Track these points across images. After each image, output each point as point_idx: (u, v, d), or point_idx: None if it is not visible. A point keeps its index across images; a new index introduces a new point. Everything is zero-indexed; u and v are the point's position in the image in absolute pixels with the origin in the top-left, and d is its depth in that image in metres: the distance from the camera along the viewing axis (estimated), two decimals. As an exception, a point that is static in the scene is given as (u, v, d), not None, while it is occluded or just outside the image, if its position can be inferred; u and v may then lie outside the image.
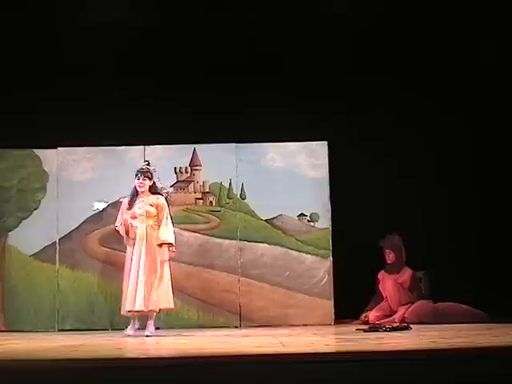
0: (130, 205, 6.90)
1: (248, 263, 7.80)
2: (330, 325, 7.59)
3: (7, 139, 7.89)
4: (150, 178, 6.97)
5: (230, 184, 7.91)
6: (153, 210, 6.89)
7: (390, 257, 7.89)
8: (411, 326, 6.75)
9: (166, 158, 7.91)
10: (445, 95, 8.54)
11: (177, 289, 7.54)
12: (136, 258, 6.76)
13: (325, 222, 7.86)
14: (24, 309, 7.68)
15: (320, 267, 7.80)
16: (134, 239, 6.81)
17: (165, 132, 8.06)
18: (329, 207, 7.85)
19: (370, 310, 7.75)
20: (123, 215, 6.91)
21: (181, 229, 7.77)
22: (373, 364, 4.34)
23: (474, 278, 8.13)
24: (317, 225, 7.87)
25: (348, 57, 8.49)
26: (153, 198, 6.95)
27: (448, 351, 4.71)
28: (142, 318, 6.89)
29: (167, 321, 7.49)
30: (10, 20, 8.20)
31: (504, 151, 8.44)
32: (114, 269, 7.33)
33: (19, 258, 7.74)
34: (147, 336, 6.58)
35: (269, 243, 7.84)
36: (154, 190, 7.00)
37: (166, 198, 7.05)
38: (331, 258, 7.80)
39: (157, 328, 6.97)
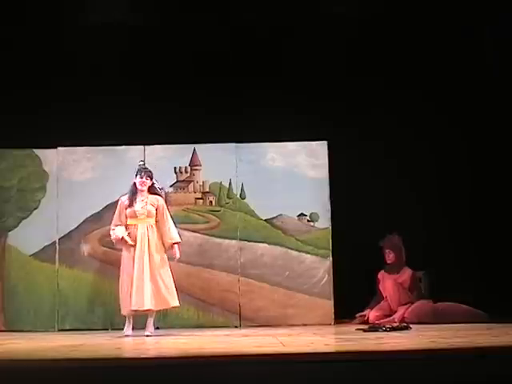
0: (131, 203, 6.90)
1: (248, 263, 7.80)
2: (330, 325, 7.59)
3: (7, 139, 7.89)
4: (151, 178, 6.99)
5: (230, 184, 7.91)
6: (153, 211, 6.91)
7: (389, 257, 7.89)
8: (411, 325, 6.75)
9: (165, 158, 7.91)
10: (445, 95, 8.54)
11: (177, 289, 7.55)
12: (139, 257, 6.75)
13: (325, 222, 7.86)
14: (24, 309, 7.68)
15: (320, 267, 7.80)
16: (134, 240, 6.81)
17: (165, 132, 8.06)
18: (329, 207, 7.85)
19: (370, 309, 7.76)
20: (121, 215, 6.90)
21: (181, 229, 7.74)
22: (373, 364, 4.34)
23: (473, 278, 8.13)
24: (317, 225, 7.87)
25: (348, 57, 8.49)
26: (153, 199, 6.96)
27: (448, 351, 4.71)
28: (141, 318, 6.90)
29: (167, 321, 7.49)
30: (10, 20, 8.20)
31: (504, 151, 8.44)
32: (114, 269, 7.31)
33: (19, 257, 7.74)
34: (147, 336, 6.58)
35: (269, 243, 7.84)
36: (152, 190, 7.01)
37: (164, 198, 7.08)
38: (331, 258, 7.80)
39: (157, 328, 6.98)
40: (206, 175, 7.93)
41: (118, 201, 7.06)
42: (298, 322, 7.63)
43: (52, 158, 7.90)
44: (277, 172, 7.95)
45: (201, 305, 7.72)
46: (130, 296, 6.67)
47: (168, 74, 8.43)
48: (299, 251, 7.83)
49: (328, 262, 7.80)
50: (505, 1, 8.11)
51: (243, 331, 7.07)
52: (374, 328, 6.61)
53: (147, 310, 6.75)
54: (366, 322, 7.50)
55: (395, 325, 6.78)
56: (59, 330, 7.57)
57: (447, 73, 8.54)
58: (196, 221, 7.87)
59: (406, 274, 7.84)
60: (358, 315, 7.73)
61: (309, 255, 7.82)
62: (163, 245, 6.91)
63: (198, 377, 4.24)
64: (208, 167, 7.93)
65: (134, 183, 6.98)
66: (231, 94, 8.48)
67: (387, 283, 7.80)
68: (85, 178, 7.87)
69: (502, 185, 8.39)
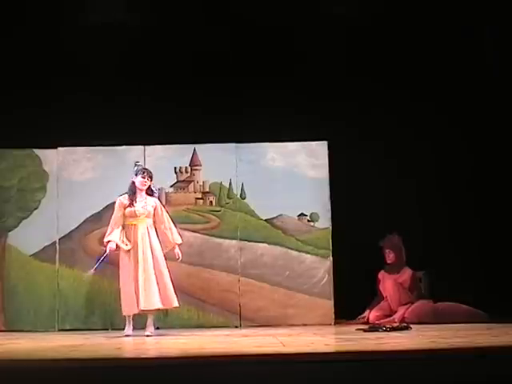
0: (131, 202, 6.90)
1: (248, 263, 7.80)
2: (330, 325, 7.59)
3: (7, 139, 7.89)
4: (151, 179, 7.01)
5: (230, 184, 7.91)
6: (152, 211, 6.95)
7: (389, 257, 7.89)
8: (411, 325, 6.74)
9: (165, 158, 7.92)
10: (445, 95, 8.54)
11: (177, 289, 7.53)
12: (144, 258, 6.77)
13: (325, 222, 7.86)
14: (24, 309, 7.68)
15: (320, 267, 7.80)
16: (132, 241, 6.81)
17: (165, 132, 8.06)
18: (329, 207, 7.85)
19: (370, 310, 7.76)
20: (120, 214, 6.89)
21: (181, 229, 7.75)
22: (373, 364, 4.34)
23: (473, 278, 8.13)
24: (317, 225, 7.87)
25: (348, 57, 8.49)
26: (150, 199, 6.99)
27: (448, 351, 4.71)
28: (141, 318, 6.90)
29: (167, 321, 7.49)
30: (10, 20, 8.21)
31: (504, 151, 8.44)
32: (115, 269, 7.31)
33: (19, 257, 7.74)
34: (148, 336, 6.58)
35: (269, 243, 7.84)
36: (150, 191, 7.02)
37: (159, 199, 7.15)
38: (331, 258, 7.80)
39: (157, 328, 6.98)
40: (206, 175, 7.93)
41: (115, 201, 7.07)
42: (298, 322, 7.63)
43: (52, 157, 7.91)
44: (277, 172, 7.95)
45: (201, 305, 7.72)
46: (138, 296, 6.67)
47: (168, 73, 8.43)
48: (299, 251, 7.83)
49: (328, 262, 7.80)
50: (505, 1, 8.10)
51: (243, 331, 7.07)
52: (374, 328, 6.61)
53: (153, 310, 6.77)
54: (366, 322, 7.50)
55: (395, 325, 6.78)
56: (59, 330, 7.57)
57: (447, 73, 8.54)
58: (196, 221, 7.87)
59: (406, 274, 7.84)
60: (358, 318, 7.73)
61: (309, 255, 7.82)
62: (161, 245, 6.93)
63: (198, 377, 4.24)
64: (208, 167, 7.93)
65: (133, 183, 6.98)
66: (231, 94, 8.48)
67: (387, 283, 7.80)
68: (85, 178, 7.87)
69: (503, 185, 8.39)
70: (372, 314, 7.67)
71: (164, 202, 7.82)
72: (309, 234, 7.86)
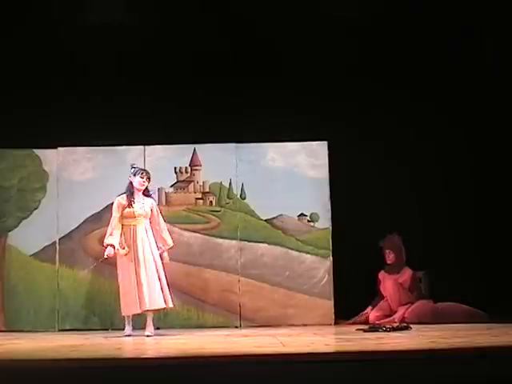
0: (129, 203, 6.90)
1: (248, 263, 7.80)
2: (330, 325, 7.59)
3: (7, 139, 7.89)
4: (149, 180, 7.02)
5: (230, 184, 7.91)
6: (150, 212, 6.97)
7: (390, 257, 7.89)
8: (411, 325, 6.75)
9: (165, 158, 7.92)
10: (445, 95, 8.54)
11: (177, 289, 7.58)
12: (143, 258, 6.78)
13: (325, 222, 7.85)
14: (24, 309, 7.68)
15: (320, 267, 7.80)
16: (132, 242, 6.82)
17: (165, 132, 8.06)
18: (329, 207, 7.85)
19: (371, 308, 7.76)
20: (118, 215, 6.90)
21: (181, 229, 7.79)
22: (373, 364, 4.34)
23: (473, 278, 8.13)
24: (317, 225, 7.87)
25: (348, 57, 8.49)
26: (148, 201, 7.01)
27: (448, 351, 4.71)
28: (141, 318, 6.91)
29: (167, 321, 7.49)
30: (10, 20, 8.21)
31: (505, 151, 8.44)
32: (114, 269, 7.31)
33: (19, 257, 7.74)
34: (148, 336, 6.58)
35: (269, 243, 7.84)
36: (146, 192, 7.04)
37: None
38: (331, 258, 7.80)
39: (157, 328, 6.98)
40: (206, 175, 7.93)
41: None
42: (298, 322, 7.63)
43: (52, 158, 7.91)
44: (277, 172, 7.95)
45: (201, 305, 7.72)
46: (140, 297, 6.67)
47: (168, 73, 8.43)
48: (299, 251, 7.83)
49: (328, 262, 7.80)
50: (505, 1, 8.10)
51: (243, 331, 7.08)
52: (374, 328, 6.62)
53: (156, 310, 6.79)
54: (366, 322, 7.50)
55: (395, 325, 6.78)
56: (59, 330, 7.57)
57: (447, 73, 8.54)
58: (196, 221, 7.87)
59: (406, 274, 7.84)
60: (361, 314, 7.72)
61: (309, 255, 7.82)
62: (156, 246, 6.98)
63: (198, 377, 4.24)
64: (208, 167, 7.93)
65: (131, 183, 6.98)
66: (231, 94, 8.48)
67: (387, 283, 7.80)
68: (85, 178, 7.87)
69: (503, 184, 8.39)
70: (372, 314, 7.67)
71: (164, 202, 7.84)
72: (309, 234, 7.86)
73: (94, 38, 8.24)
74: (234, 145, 7.96)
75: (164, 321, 7.43)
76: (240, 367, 4.35)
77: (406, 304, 7.66)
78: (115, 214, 6.92)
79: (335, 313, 7.71)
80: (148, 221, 6.96)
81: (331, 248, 7.81)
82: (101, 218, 7.62)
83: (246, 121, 8.28)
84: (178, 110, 8.37)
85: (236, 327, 7.62)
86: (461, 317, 7.34)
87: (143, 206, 6.94)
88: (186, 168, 7.95)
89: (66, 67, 8.31)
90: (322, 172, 7.90)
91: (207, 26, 8.41)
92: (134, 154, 7.84)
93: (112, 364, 4.55)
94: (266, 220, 7.88)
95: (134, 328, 6.84)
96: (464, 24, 8.45)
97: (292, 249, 7.84)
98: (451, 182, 8.53)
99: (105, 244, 6.87)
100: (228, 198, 7.90)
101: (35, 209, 7.82)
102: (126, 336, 6.69)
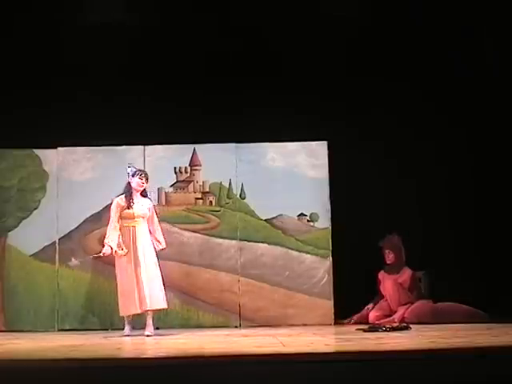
0: (129, 204, 6.89)
1: (248, 263, 7.80)
2: (330, 325, 7.59)
3: (7, 139, 7.89)
4: (147, 181, 7.03)
5: (230, 184, 7.91)
6: (148, 213, 6.98)
7: (389, 257, 7.89)
8: (411, 325, 6.74)
9: (165, 158, 7.92)
10: (444, 95, 8.54)
11: (177, 289, 7.60)
12: (143, 259, 6.78)
13: (325, 222, 7.86)
14: (24, 309, 7.68)
15: (320, 267, 7.80)
16: (131, 243, 6.82)
17: (165, 132, 8.06)
18: (329, 207, 7.85)
19: (366, 312, 7.76)
20: (117, 216, 6.89)
21: (181, 229, 7.79)
22: (373, 364, 4.34)
23: (474, 278, 8.13)
24: (317, 225, 7.87)
25: (348, 57, 8.49)
26: (146, 201, 7.01)
27: (447, 351, 4.71)
28: (141, 318, 6.92)
29: (167, 321, 7.49)
30: (10, 20, 8.20)
31: (504, 151, 8.44)
32: (114, 269, 7.31)
33: (19, 257, 7.74)
34: (148, 336, 6.58)
35: (269, 243, 7.84)
36: (144, 192, 7.05)
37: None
38: (331, 258, 7.80)
39: (156, 328, 6.98)
40: (206, 175, 7.93)
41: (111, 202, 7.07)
42: (298, 322, 7.63)
43: (52, 158, 7.91)
44: (277, 172, 7.95)
45: (201, 305, 7.72)
46: (140, 297, 6.68)
47: (168, 73, 8.43)
48: (299, 251, 7.83)
49: (328, 262, 7.80)
50: (505, 1, 8.10)
51: (243, 331, 7.07)
52: (374, 328, 6.61)
53: (156, 310, 6.81)
54: (365, 322, 7.49)
55: (395, 325, 6.78)
56: (59, 330, 7.57)
57: (447, 73, 8.54)
58: (196, 221, 7.87)
59: (406, 274, 7.84)
60: (367, 307, 7.73)
61: (309, 255, 7.82)
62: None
63: (198, 377, 4.24)
64: (208, 167, 7.93)
65: (129, 183, 6.98)
66: (231, 94, 8.47)
67: (387, 283, 7.80)
68: (85, 178, 7.87)
69: (503, 184, 8.39)
70: (372, 314, 7.67)
71: (164, 202, 7.84)
72: (309, 234, 7.86)
73: (94, 38, 8.24)
74: (233, 145, 7.96)
75: (164, 321, 7.43)
76: (240, 367, 4.35)
77: (405, 304, 7.66)
78: (114, 214, 6.90)
79: (335, 313, 7.71)
80: (146, 221, 6.97)
81: (331, 248, 7.81)
82: (101, 218, 7.62)
83: (245, 121, 8.28)
84: (178, 109, 8.37)
85: (236, 327, 7.62)
86: (461, 317, 7.34)
87: (142, 206, 6.94)
88: (185, 168, 7.95)
89: (66, 67, 8.30)
90: (322, 172, 7.90)
91: (207, 26, 8.41)
92: (133, 153, 7.85)
93: (112, 364, 4.55)
94: (265, 220, 7.88)
95: (133, 328, 6.85)
96: (464, 24, 8.44)
97: (292, 249, 7.85)
98: (451, 182, 8.53)
99: (105, 243, 6.87)
100: (228, 197, 7.90)
101: (35, 209, 7.82)
102: (126, 336, 6.69)
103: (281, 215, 7.90)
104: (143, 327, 6.79)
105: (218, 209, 7.89)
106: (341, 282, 7.77)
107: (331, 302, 7.72)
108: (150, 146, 7.93)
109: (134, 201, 6.91)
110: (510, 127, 8.33)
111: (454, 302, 7.61)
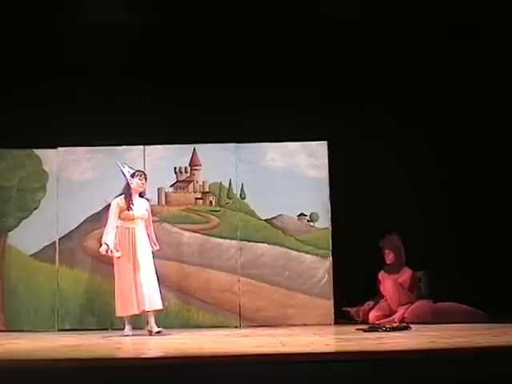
0: (128, 205, 6.89)
1: (248, 263, 7.80)
2: (330, 325, 7.59)
3: (7, 139, 7.90)
4: (146, 181, 7.05)
5: (230, 184, 7.91)
6: (146, 214, 7.02)
7: (389, 257, 7.89)
8: (411, 325, 6.74)
9: (165, 158, 7.92)
10: (444, 95, 8.54)
11: (177, 289, 7.60)
12: (142, 260, 6.80)
13: (324, 222, 7.86)
14: (24, 309, 7.68)
15: (320, 267, 7.80)
16: (130, 244, 6.83)
17: (165, 132, 8.06)
18: (329, 207, 7.85)
19: (368, 308, 7.76)
20: (116, 217, 6.89)
21: (181, 229, 7.79)
22: (373, 364, 4.34)
23: (474, 278, 8.13)
24: (316, 225, 7.87)
25: (348, 57, 8.49)
26: (144, 202, 7.03)
27: (448, 351, 4.71)
28: (141, 318, 6.93)
29: (167, 321, 7.48)
30: (10, 20, 8.20)
31: (504, 151, 8.44)
32: (113, 269, 7.31)
33: (19, 257, 7.75)
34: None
35: (269, 243, 7.84)
36: (142, 193, 7.06)
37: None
38: (331, 258, 7.80)
39: (156, 328, 6.98)
40: (206, 175, 7.93)
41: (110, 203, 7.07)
42: (298, 322, 7.63)
43: (52, 158, 7.91)
44: (277, 172, 7.95)
45: (201, 305, 7.72)
46: (138, 298, 6.69)
47: (168, 73, 8.43)
48: (299, 251, 7.83)
49: (328, 262, 7.80)
50: (504, 0, 8.11)
51: (243, 331, 7.07)
52: (374, 328, 6.61)
53: (156, 310, 6.82)
54: (365, 322, 7.49)
55: (395, 325, 6.77)
56: (59, 330, 7.57)
57: (447, 73, 8.54)
58: (196, 221, 7.87)
59: (406, 274, 7.83)
60: (368, 303, 7.73)
61: (309, 255, 7.82)
62: None
63: (198, 377, 4.24)
64: (208, 167, 7.93)
65: (128, 184, 6.98)
66: (231, 94, 8.48)
67: (387, 283, 7.79)
68: (85, 178, 7.87)
69: (503, 185, 8.39)
70: (372, 314, 7.66)
71: (164, 202, 7.84)
72: (309, 234, 7.86)
73: (94, 38, 8.24)
74: (233, 145, 7.96)
75: (164, 321, 7.42)
76: (240, 367, 4.35)
77: (405, 304, 7.66)
78: (113, 215, 6.90)
79: (335, 313, 7.71)
80: (144, 222, 6.98)
81: (331, 248, 7.81)
82: (100, 218, 7.61)
83: (246, 121, 8.28)
84: (178, 109, 8.38)
85: (236, 327, 7.62)
86: (461, 317, 7.34)
87: (140, 208, 6.95)
88: (185, 168, 7.95)
89: (66, 67, 8.31)
90: (322, 172, 7.90)
91: (207, 26, 8.41)
92: (133, 153, 7.85)
93: (112, 364, 4.55)
94: (265, 220, 7.88)
95: (133, 328, 6.85)
96: (463, 24, 8.45)
97: (292, 249, 7.85)
98: (451, 182, 8.54)
99: (102, 241, 6.87)
100: (228, 197, 7.90)
101: (35, 209, 7.82)
102: (126, 336, 6.69)
103: (281, 215, 7.90)
104: (143, 327, 6.80)
105: (218, 209, 7.89)
106: (341, 282, 7.77)
107: (331, 302, 7.72)
108: (149, 146, 7.93)
109: (133, 202, 6.91)
110: (509, 127, 8.33)
111: (454, 301, 7.61)
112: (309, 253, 7.82)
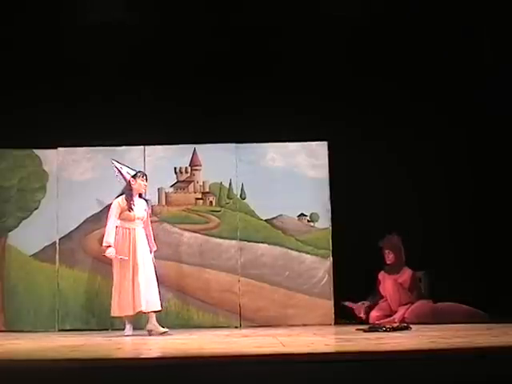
0: (130, 206, 6.90)
1: (248, 263, 7.80)
2: (330, 325, 7.59)
3: (7, 139, 7.90)
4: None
5: (230, 184, 7.91)
6: (146, 215, 7.05)
7: (389, 257, 7.89)
8: (411, 325, 6.74)
9: (166, 158, 7.92)
10: (445, 95, 8.54)
11: (177, 289, 7.60)
12: (142, 261, 6.81)
13: (325, 222, 7.86)
14: (24, 309, 7.68)
15: (320, 267, 7.80)
16: (131, 245, 6.83)
17: (165, 132, 8.06)
18: (329, 207, 7.85)
19: (366, 306, 7.76)
20: (117, 217, 6.89)
21: (181, 229, 7.79)
22: (373, 364, 4.34)
23: (474, 278, 8.13)
24: (317, 225, 7.87)
25: (348, 57, 8.49)
26: (143, 203, 7.05)
27: (448, 351, 4.71)
28: (141, 318, 6.93)
29: (167, 321, 7.48)
30: (10, 20, 8.20)
31: (504, 151, 8.44)
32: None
33: (19, 257, 7.74)
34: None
35: (269, 243, 7.84)
36: (142, 194, 7.07)
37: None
38: (331, 258, 7.80)
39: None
40: (206, 175, 7.93)
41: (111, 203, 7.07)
42: (298, 322, 7.63)
43: (52, 158, 7.91)
44: (277, 172, 7.95)
45: (201, 305, 7.72)
46: (136, 299, 6.71)
47: (168, 73, 8.43)
48: (299, 251, 7.83)
49: (328, 263, 7.80)
50: (505, 0, 8.11)
51: (243, 331, 7.07)
52: (374, 328, 6.61)
53: (156, 311, 6.82)
54: (365, 322, 7.49)
55: (395, 325, 6.77)
56: (59, 330, 7.57)
57: (447, 73, 8.54)
58: (196, 221, 7.87)
59: (406, 274, 7.84)
60: (364, 302, 7.73)
61: (309, 255, 7.82)
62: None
63: (198, 377, 4.24)
64: (208, 167, 7.93)
65: (129, 185, 6.98)
66: (231, 94, 8.48)
67: (387, 283, 7.79)
68: (85, 178, 7.87)
69: (502, 185, 8.39)
70: (372, 314, 7.66)
71: (164, 202, 7.84)
72: (309, 234, 7.86)
73: (94, 38, 8.24)
74: (234, 145, 7.96)
75: (164, 321, 7.42)
76: (240, 367, 4.34)
77: (405, 304, 7.66)
78: (114, 216, 6.91)
79: (335, 313, 7.71)
80: (143, 223, 7.00)
81: (331, 248, 7.81)
82: (100, 218, 7.61)
83: (246, 121, 8.28)
84: (178, 109, 8.38)
85: (236, 327, 7.62)
86: (461, 317, 7.34)
87: (141, 208, 6.97)
88: (186, 168, 7.95)
89: (67, 67, 8.31)
90: (322, 172, 7.90)
91: (207, 26, 8.41)
92: (133, 154, 7.85)
93: (112, 364, 4.55)
94: (265, 220, 7.88)
95: (133, 328, 6.85)
96: (464, 23, 8.45)
97: (292, 249, 7.85)
98: (451, 182, 8.54)
99: (105, 243, 6.86)
100: (228, 198, 7.90)
101: (35, 209, 7.82)
102: (126, 336, 6.69)
103: (281, 215, 7.90)
104: (143, 327, 6.82)
105: (218, 209, 7.89)
106: (341, 282, 7.76)
107: (331, 302, 7.72)
108: (150, 146, 7.93)
109: (134, 203, 6.92)
110: (510, 127, 8.33)
111: (454, 301, 7.61)
112: (309, 253, 7.82)
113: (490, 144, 8.51)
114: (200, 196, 7.92)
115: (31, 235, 7.72)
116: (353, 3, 8.28)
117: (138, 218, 6.92)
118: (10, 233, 7.78)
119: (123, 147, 7.92)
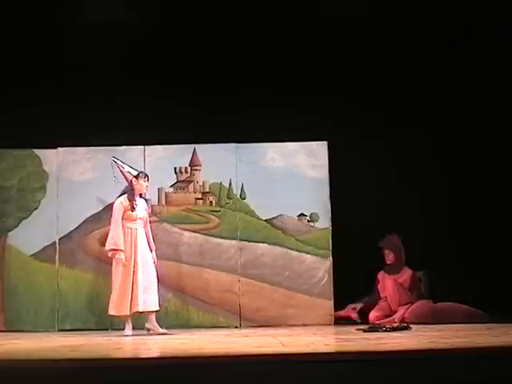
0: (132, 206, 6.90)
1: (248, 263, 7.80)
2: (330, 325, 7.59)
3: (7, 139, 7.90)
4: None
5: (230, 184, 7.91)
6: (146, 215, 7.05)
7: (389, 257, 7.89)
8: (411, 325, 6.74)
9: (166, 158, 7.92)
10: (445, 95, 8.54)
11: (177, 289, 7.60)
12: (142, 261, 6.81)
13: (325, 222, 7.85)
14: (24, 309, 7.68)
15: (320, 267, 7.80)
16: (132, 245, 6.83)
17: (165, 132, 8.07)
18: (329, 207, 7.85)
19: (364, 306, 7.76)
20: (121, 217, 6.90)
21: (181, 229, 7.79)
22: (373, 364, 4.33)
23: (474, 278, 8.13)
24: (317, 225, 7.87)
25: (348, 57, 8.49)
26: (144, 202, 7.07)
27: (448, 351, 4.71)
28: (140, 318, 6.93)
29: (167, 321, 7.48)
30: (10, 20, 8.20)
31: (504, 151, 8.44)
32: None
33: (19, 257, 7.74)
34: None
35: (269, 243, 7.84)
36: (143, 194, 7.07)
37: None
38: (331, 258, 7.80)
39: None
40: (206, 175, 7.93)
41: (113, 202, 7.07)
42: (298, 322, 7.63)
43: (52, 157, 7.91)
44: (277, 172, 7.95)
45: (201, 305, 7.72)
46: (134, 299, 6.71)
47: (168, 73, 8.43)
48: (299, 251, 7.83)
49: (328, 263, 7.80)
50: (505, 0, 8.10)
51: (243, 331, 7.07)
52: (374, 328, 6.61)
53: (154, 311, 6.82)
54: (365, 322, 7.49)
55: (395, 325, 6.77)
56: (59, 330, 7.57)
57: (448, 73, 8.54)
58: (196, 221, 7.87)
59: (406, 274, 7.84)
60: (350, 307, 7.73)
61: (309, 255, 7.82)
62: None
63: (198, 377, 4.24)
64: (208, 167, 7.93)
65: (131, 184, 6.99)
66: (231, 94, 8.48)
67: (387, 283, 7.80)
68: (85, 178, 7.87)
69: (502, 185, 8.39)
70: (372, 314, 7.66)
71: (164, 202, 7.84)
72: (309, 234, 7.86)
73: (94, 38, 8.25)
74: (233, 145, 7.96)
75: (164, 321, 7.42)
76: (240, 367, 4.34)
77: (405, 304, 7.66)
78: (118, 216, 6.91)
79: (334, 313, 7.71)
80: (143, 223, 7.00)
81: (331, 248, 7.81)
82: (101, 218, 7.63)
83: (245, 121, 8.29)
84: (178, 109, 8.38)
85: (236, 327, 7.62)
86: (461, 317, 7.34)
87: (142, 208, 6.98)
88: (185, 168, 7.95)
89: (66, 67, 8.31)
90: (322, 172, 7.90)
91: (207, 26, 8.41)
92: (133, 154, 7.85)
93: (112, 364, 4.55)
94: (265, 220, 7.88)
95: (133, 328, 6.85)
96: (464, 23, 8.45)
97: (292, 249, 7.85)
98: (451, 182, 8.53)
99: (112, 247, 6.84)
100: (228, 198, 7.90)
101: (35, 209, 7.82)
102: (126, 336, 6.69)
103: (281, 215, 7.90)
104: (143, 327, 6.81)
105: (218, 209, 7.89)
106: (341, 282, 7.76)
107: (331, 302, 7.72)
108: (150, 146, 7.93)
109: (136, 202, 6.93)
110: (510, 127, 8.33)
111: (454, 301, 7.61)
112: (309, 253, 7.82)
113: (491, 144, 8.51)
114: (200, 196, 7.92)
115: (31, 235, 7.72)
116: (353, 3, 8.28)
117: (140, 218, 6.93)
118: (9, 233, 7.78)
119: (123, 147, 7.92)
